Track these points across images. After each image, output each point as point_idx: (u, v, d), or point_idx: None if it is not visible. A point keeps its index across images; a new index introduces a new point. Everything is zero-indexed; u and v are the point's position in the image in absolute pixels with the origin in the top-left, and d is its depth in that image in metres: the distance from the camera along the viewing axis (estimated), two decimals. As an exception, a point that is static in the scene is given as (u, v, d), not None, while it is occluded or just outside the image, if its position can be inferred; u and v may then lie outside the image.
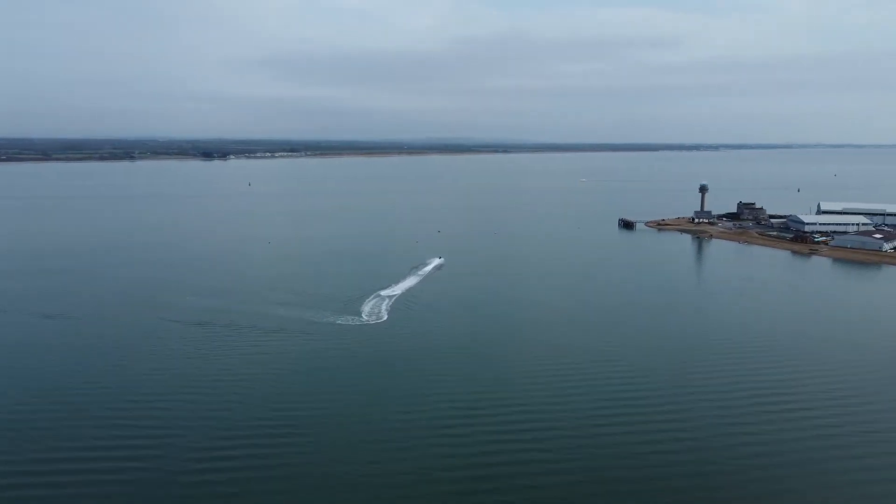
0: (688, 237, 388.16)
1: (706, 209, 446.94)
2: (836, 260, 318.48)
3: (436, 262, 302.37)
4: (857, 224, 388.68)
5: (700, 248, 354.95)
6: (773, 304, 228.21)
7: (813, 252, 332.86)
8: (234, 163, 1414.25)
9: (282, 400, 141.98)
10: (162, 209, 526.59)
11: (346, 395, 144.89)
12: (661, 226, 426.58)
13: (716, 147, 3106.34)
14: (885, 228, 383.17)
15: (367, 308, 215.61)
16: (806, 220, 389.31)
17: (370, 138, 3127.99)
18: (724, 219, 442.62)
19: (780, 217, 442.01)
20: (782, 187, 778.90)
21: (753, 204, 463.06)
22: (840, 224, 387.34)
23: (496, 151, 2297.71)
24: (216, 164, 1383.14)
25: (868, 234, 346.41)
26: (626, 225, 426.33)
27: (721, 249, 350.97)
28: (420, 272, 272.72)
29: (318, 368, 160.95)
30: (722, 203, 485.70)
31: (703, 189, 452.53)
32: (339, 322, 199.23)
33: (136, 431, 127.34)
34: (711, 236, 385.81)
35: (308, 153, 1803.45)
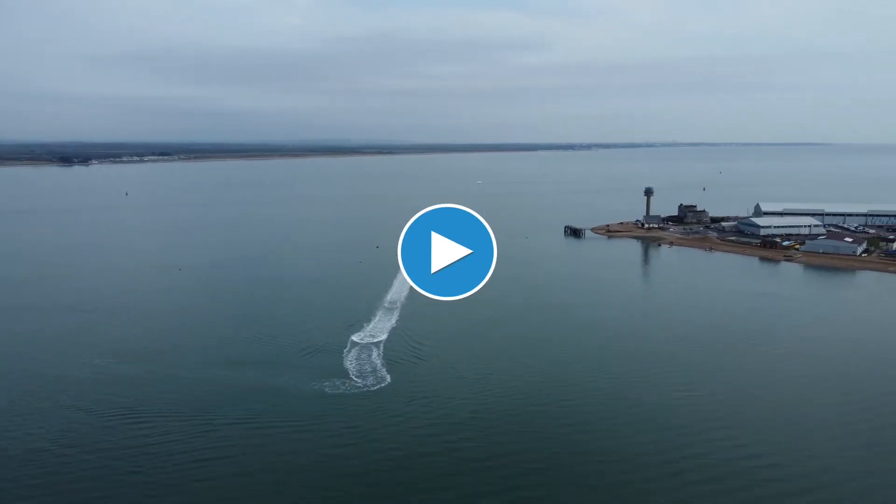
0: (645, 245, 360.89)
1: (652, 213, 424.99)
2: (811, 266, 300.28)
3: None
4: (809, 226, 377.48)
5: (666, 259, 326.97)
6: (837, 329, 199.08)
7: (787, 258, 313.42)
8: (98, 168, 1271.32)
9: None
10: (25, 229, 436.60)
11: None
12: (610, 232, 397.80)
13: (588, 146, 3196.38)
14: (833, 229, 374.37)
15: (352, 363, 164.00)
16: (761, 224, 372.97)
17: (247, 140, 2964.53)
18: (671, 223, 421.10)
19: (722, 219, 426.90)
20: (683, 186, 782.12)
21: (695, 206, 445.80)
22: (794, 226, 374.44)
23: (380, 153, 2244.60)
24: (78, 170, 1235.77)
25: (839, 237, 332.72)
26: (574, 232, 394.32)
27: (690, 259, 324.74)
28: (388, 302, 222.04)
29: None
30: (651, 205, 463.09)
31: (648, 192, 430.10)
32: (329, 390, 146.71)
33: None
34: (672, 243, 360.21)
35: (182, 157, 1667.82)
